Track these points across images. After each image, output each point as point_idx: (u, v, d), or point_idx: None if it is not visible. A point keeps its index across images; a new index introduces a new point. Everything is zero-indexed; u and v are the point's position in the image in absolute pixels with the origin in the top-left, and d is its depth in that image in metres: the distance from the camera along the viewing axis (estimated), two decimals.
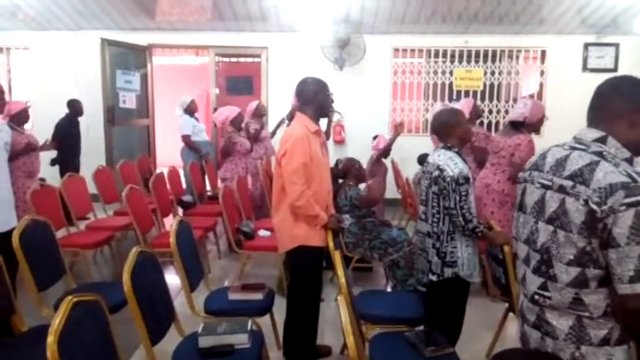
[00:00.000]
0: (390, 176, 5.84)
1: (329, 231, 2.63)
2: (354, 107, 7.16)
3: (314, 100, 2.66)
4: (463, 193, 2.45)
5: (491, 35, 7.02)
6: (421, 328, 2.67)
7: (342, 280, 2.02)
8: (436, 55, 7.22)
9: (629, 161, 1.39)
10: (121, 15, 6.71)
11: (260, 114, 5.87)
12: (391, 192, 6.05)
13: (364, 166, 5.38)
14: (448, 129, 2.64)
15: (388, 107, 7.28)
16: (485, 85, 7.18)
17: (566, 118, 6.88)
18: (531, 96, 7.14)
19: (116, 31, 6.95)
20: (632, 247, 1.26)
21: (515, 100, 7.18)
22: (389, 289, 3.91)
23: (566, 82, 7.04)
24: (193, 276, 2.73)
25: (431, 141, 4.48)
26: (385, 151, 5.52)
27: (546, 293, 1.45)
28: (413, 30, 6.93)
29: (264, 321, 2.83)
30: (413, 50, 7.25)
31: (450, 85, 7.22)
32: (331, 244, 2.56)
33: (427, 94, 7.35)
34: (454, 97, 7.06)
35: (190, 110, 6.29)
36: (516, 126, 3.71)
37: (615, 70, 7.05)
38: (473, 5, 6.34)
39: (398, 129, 5.53)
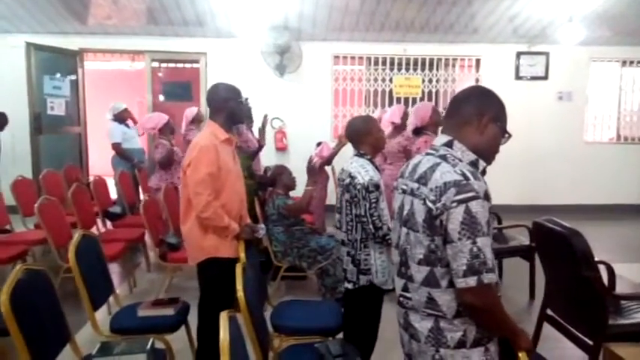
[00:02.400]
0: (332, 183, 5.81)
1: (241, 242, 2.55)
2: (295, 114, 7.13)
3: (225, 107, 2.58)
4: (373, 201, 2.44)
5: (428, 44, 7.16)
6: (340, 337, 2.64)
7: (240, 293, 1.94)
8: (376, 63, 7.30)
9: (474, 164, 1.46)
10: (49, 19, 6.40)
11: (200, 120, 5.71)
12: (334, 199, 6.02)
13: (306, 172, 5.33)
14: (360, 136, 2.64)
15: (330, 114, 7.28)
16: (423, 92, 7.31)
17: None
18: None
19: (45, 34, 6.62)
20: (464, 242, 1.32)
21: None
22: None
23: (500, 90, 6.97)
24: (98, 292, 2.58)
25: None
26: (329, 160, 5.49)
27: (407, 294, 1.51)
28: (352, 37, 6.98)
29: (181, 336, 2.73)
30: (353, 57, 7.30)
31: (390, 92, 7.31)
32: (242, 255, 2.49)
33: (368, 100, 7.41)
34: (394, 103, 7.15)
35: (121, 118, 6.05)
36: (419, 132, 4.03)
37: (546, 77, 7.35)
38: (409, 14, 6.44)
39: (342, 140, 5.51)
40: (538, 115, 7.26)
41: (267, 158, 5.89)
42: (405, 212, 1.49)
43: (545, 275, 3.00)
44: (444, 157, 1.43)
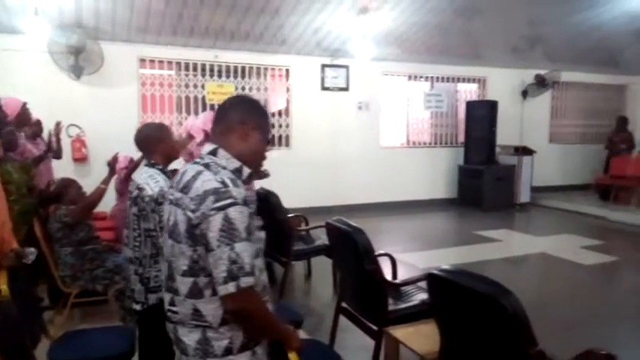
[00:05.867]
0: None
1: (3, 272, 2.17)
2: (96, 120, 6.49)
3: None
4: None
5: (240, 52, 7.23)
6: None
7: None
8: (187, 68, 7.10)
9: (239, 170, 1.48)
10: None
11: None
12: None
13: (114, 184, 4.85)
14: (151, 145, 2.49)
15: (137, 120, 6.81)
16: None
17: (311, 131, 7.59)
18: (280, 112, 7.64)
19: None
20: (223, 249, 1.32)
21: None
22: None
23: (309, 99, 7.72)
24: None
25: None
26: (134, 169, 5.10)
27: (174, 308, 1.46)
28: (158, 41, 6.66)
29: None
30: (162, 62, 6.97)
31: (203, 98, 7.18)
32: (4, 288, 2.12)
33: (180, 107, 7.16)
34: (207, 110, 7.03)
35: None
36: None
37: (347, 89, 8.03)
38: (218, 19, 6.40)
39: None
40: (342, 123, 7.91)
41: (64, 170, 5.22)
42: (170, 223, 1.45)
43: (339, 271, 3.23)
44: (207, 166, 1.43)
